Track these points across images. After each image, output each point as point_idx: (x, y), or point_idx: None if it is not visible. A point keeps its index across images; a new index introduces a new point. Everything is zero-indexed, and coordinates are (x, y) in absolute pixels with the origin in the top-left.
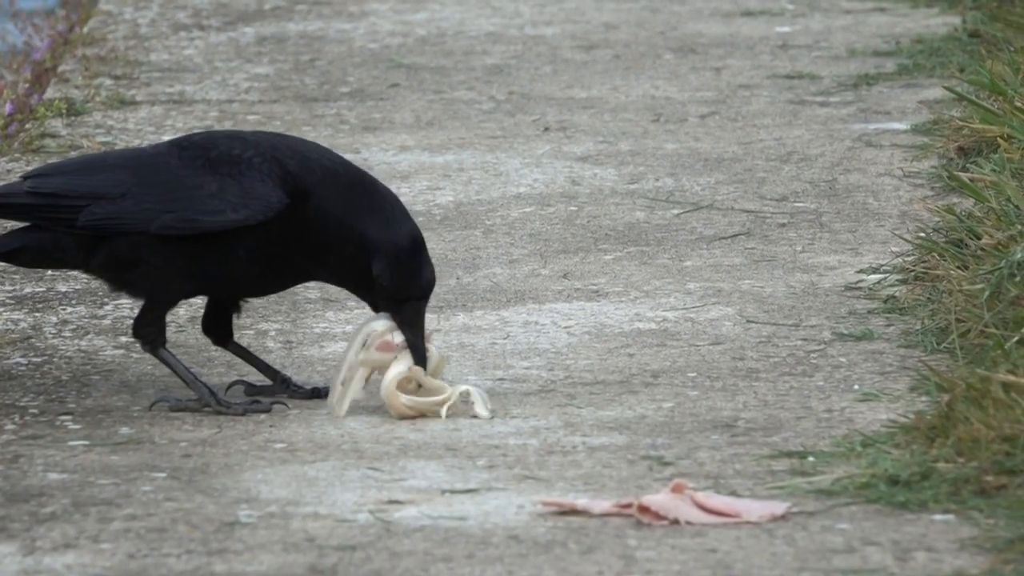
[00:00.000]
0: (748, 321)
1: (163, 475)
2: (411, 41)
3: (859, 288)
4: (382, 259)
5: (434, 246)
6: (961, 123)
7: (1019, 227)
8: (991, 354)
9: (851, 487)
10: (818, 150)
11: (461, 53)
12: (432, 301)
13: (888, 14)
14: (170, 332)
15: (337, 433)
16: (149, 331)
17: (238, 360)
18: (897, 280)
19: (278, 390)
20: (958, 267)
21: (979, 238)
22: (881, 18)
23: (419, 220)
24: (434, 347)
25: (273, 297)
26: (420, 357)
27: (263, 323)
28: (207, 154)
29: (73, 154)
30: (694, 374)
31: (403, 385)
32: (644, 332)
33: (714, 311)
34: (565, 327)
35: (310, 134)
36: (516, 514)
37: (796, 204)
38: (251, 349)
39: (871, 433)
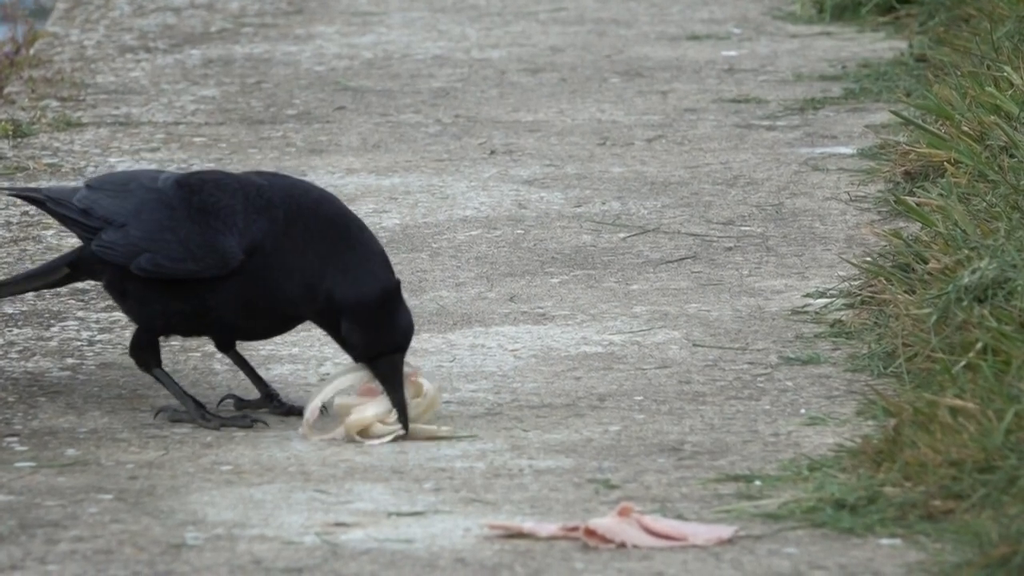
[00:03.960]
0: (695, 345)
1: (109, 497)
2: (357, 64)
3: (806, 312)
4: (349, 318)
5: None
6: (908, 147)
7: (966, 252)
8: (938, 378)
9: (798, 511)
10: (764, 174)
11: (407, 76)
12: None
13: (834, 38)
14: (115, 354)
15: (284, 455)
16: (141, 354)
17: (186, 381)
18: (844, 304)
19: (263, 404)
20: (905, 291)
21: (926, 262)
22: (827, 42)
23: None
24: (428, 384)
25: None
26: (402, 414)
27: (209, 345)
28: (191, 198)
29: (19, 176)
30: (641, 397)
31: (383, 421)
32: (591, 355)
33: (660, 335)
34: (511, 350)
35: (256, 157)
36: (463, 537)
37: (743, 228)
38: (198, 371)
39: (818, 457)
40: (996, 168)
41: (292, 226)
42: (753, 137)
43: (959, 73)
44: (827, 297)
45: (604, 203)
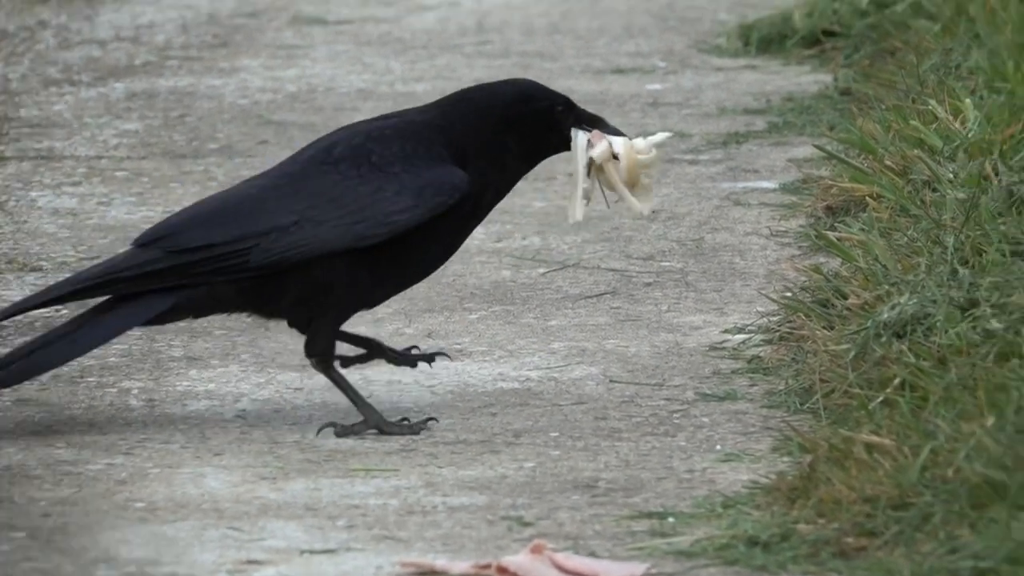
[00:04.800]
0: (612, 381)
1: (22, 535)
2: (281, 97)
3: (724, 348)
4: (549, 98)
5: None
6: (830, 182)
7: (886, 287)
8: (854, 415)
9: (711, 548)
10: (686, 209)
11: (331, 109)
12: (297, 359)
13: (759, 72)
14: (31, 389)
15: (197, 492)
16: (326, 348)
17: (101, 418)
18: (762, 340)
19: (372, 356)
20: (824, 327)
21: (846, 298)
22: (752, 76)
23: None
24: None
25: (136, 355)
26: (620, 132)
27: (126, 381)
28: (369, 159)
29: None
30: (556, 434)
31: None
32: (507, 391)
33: (578, 371)
34: (428, 386)
35: (178, 191)
36: (375, 575)
37: (663, 263)
38: (114, 407)
39: (732, 494)
40: (918, 203)
41: (448, 122)
42: (676, 171)
43: (883, 107)
44: (745, 333)
45: (524, 238)
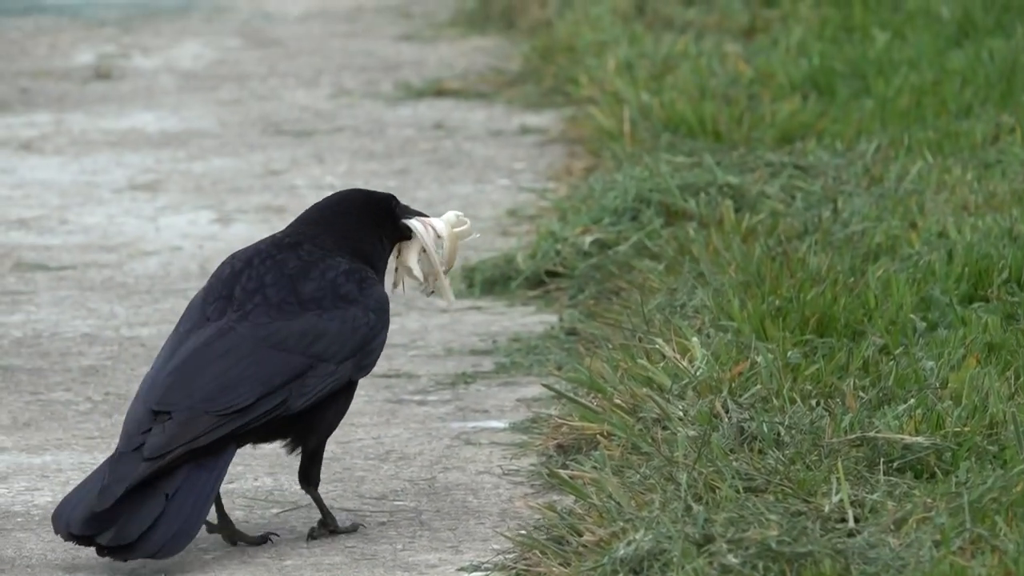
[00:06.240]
0: None
1: None
2: (6, 343)
3: None
4: (384, 196)
5: (14, 552)
6: (560, 421)
7: (621, 524)
8: None
9: None
10: (416, 448)
11: (57, 354)
12: None
13: (484, 313)
14: None
15: None
16: (318, 477)
17: None
18: None
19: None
20: (560, 564)
21: (581, 535)
22: (478, 317)
23: (17, 521)
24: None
25: None
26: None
27: None
28: (337, 292)
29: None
30: None
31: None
32: None
33: None
34: None
35: None
36: None
37: (396, 503)
38: None
39: None
40: (649, 440)
41: (342, 236)
42: (405, 412)
43: (611, 346)
44: (482, 570)
45: (256, 479)
